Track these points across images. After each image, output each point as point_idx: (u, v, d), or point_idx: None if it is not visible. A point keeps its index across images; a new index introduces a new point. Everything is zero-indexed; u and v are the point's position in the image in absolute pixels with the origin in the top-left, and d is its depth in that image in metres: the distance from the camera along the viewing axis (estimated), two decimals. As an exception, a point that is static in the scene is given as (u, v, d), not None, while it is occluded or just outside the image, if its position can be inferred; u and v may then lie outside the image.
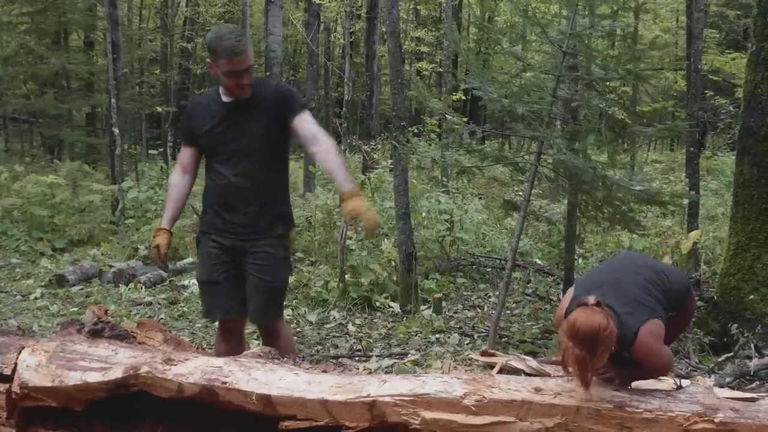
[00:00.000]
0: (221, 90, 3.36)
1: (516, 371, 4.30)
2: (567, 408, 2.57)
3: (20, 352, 2.92)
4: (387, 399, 2.61)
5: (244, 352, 3.04)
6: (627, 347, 2.65)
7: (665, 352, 2.73)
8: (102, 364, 2.84)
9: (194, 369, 2.77)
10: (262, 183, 3.33)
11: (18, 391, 2.85)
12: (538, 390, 2.63)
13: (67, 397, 2.83)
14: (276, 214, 3.40)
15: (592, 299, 2.57)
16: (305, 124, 3.29)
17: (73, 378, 2.80)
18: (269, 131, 3.30)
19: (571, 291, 2.91)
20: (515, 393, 2.62)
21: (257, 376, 2.73)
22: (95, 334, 3.00)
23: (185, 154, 3.48)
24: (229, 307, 3.44)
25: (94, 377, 2.79)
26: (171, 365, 2.77)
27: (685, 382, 2.82)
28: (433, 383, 2.67)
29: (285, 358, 2.99)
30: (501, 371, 4.30)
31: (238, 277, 3.40)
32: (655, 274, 2.90)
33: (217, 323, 3.68)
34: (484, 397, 2.59)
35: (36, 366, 2.86)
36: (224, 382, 2.70)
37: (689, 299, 3.04)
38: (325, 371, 4.52)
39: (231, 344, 3.54)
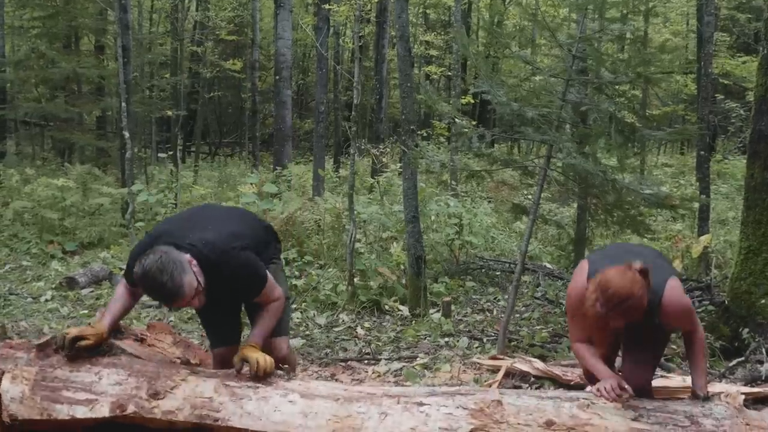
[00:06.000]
0: None
1: (522, 373, 4.30)
2: (580, 444, 2.45)
3: (0, 378, 2.78)
4: None
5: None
6: (655, 307, 2.64)
7: (694, 310, 2.77)
8: (87, 394, 2.71)
9: (183, 403, 2.65)
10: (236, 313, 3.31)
11: (8, 421, 2.75)
12: (549, 424, 2.50)
13: (58, 426, 2.74)
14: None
15: (638, 264, 2.56)
16: (258, 310, 3.09)
17: (61, 412, 2.69)
18: (237, 301, 3.24)
19: (582, 266, 2.94)
20: (525, 428, 2.49)
21: (250, 408, 2.62)
22: (73, 358, 2.83)
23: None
24: (223, 335, 3.33)
25: (81, 412, 2.68)
26: (158, 399, 2.65)
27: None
28: (437, 416, 2.53)
29: (280, 373, 2.87)
30: (507, 374, 4.30)
31: (234, 305, 3.31)
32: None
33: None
34: None
35: (20, 398, 2.73)
36: (216, 419, 2.60)
37: None
38: (333, 375, 4.56)
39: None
